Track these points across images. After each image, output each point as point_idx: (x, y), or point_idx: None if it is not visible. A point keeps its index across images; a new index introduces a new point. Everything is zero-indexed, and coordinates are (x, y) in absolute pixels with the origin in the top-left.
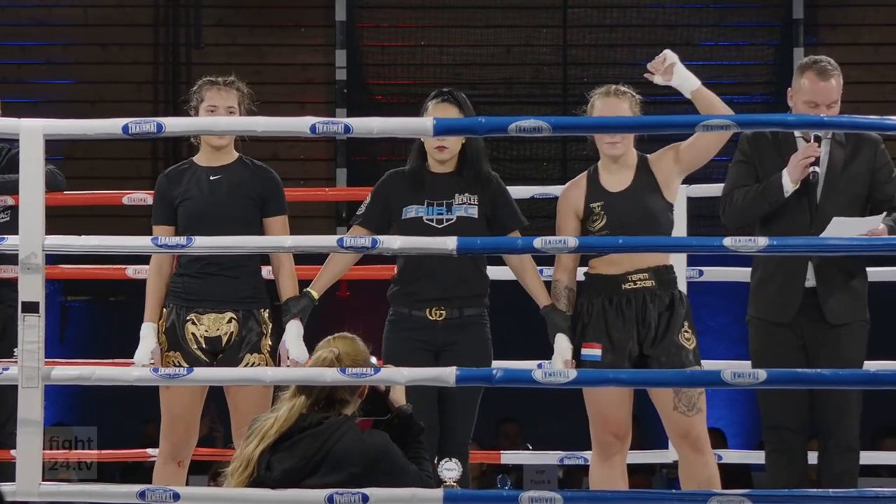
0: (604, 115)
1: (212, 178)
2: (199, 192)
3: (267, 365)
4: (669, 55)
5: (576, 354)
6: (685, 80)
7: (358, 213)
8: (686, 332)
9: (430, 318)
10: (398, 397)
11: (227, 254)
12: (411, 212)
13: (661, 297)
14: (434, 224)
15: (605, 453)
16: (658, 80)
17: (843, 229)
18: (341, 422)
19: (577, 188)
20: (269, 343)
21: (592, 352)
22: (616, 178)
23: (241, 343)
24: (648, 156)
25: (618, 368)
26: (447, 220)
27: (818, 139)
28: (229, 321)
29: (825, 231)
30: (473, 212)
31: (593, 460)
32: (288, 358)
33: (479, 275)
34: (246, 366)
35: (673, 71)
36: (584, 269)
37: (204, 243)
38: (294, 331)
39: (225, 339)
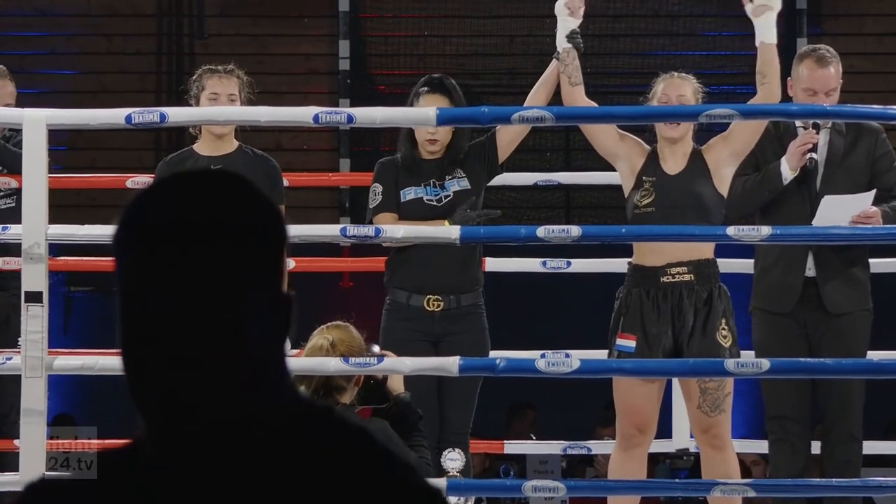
0: (665, 97)
1: (212, 167)
2: None
3: None
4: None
5: (609, 345)
6: (765, 30)
7: (373, 204)
8: (723, 329)
9: (428, 308)
10: (396, 385)
11: None
12: (410, 193)
13: (699, 293)
14: (435, 203)
15: (626, 444)
16: (748, 8)
17: (835, 208)
18: (341, 410)
19: (643, 150)
20: None
21: (626, 342)
22: (672, 161)
23: None
24: (704, 145)
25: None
26: (445, 197)
27: (816, 126)
28: None
29: (817, 213)
30: (465, 183)
31: (615, 450)
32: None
33: (474, 263)
34: None
35: (763, 13)
36: (629, 259)
37: None
38: None
39: None
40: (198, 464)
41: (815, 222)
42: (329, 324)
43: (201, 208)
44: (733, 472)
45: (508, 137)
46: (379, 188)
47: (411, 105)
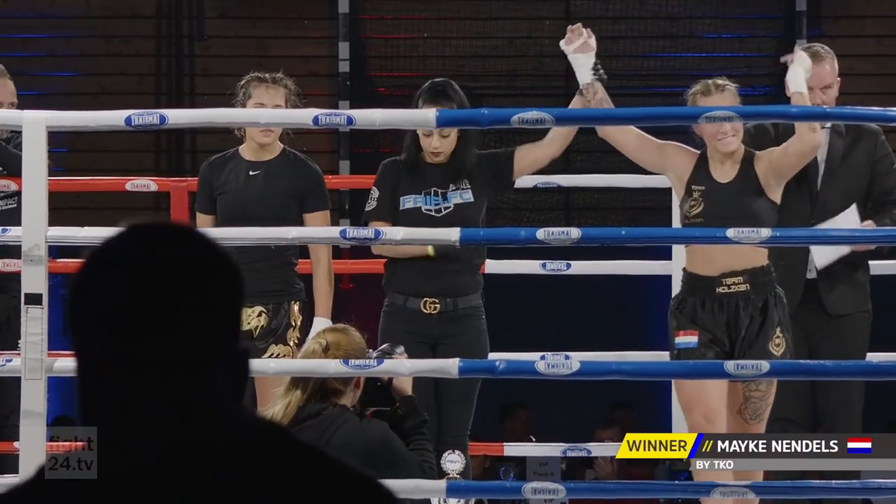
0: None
1: (251, 172)
2: (235, 186)
3: (292, 357)
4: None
5: (669, 347)
6: (795, 84)
7: (368, 209)
8: (777, 337)
9: (425, 310)
10: (403, 388)
11: (240, 246)
12: (409, 202)
13: (755, 302)
14: (433, 213)
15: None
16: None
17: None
18: (339, 412)
19: (691, 157)
20: (298, 335)
21: (688, 339)
22: (722, 169)
23: (267, 334)
24: (756, 152)
25: (707, 358)
26: (445, 208)
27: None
28: (259, 314)
29: (813, 251)
30: (468, 195)
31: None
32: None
33: (472, 266)
34: (270, 356)
35: (797, 72)
36: (683, 266)
37: (214, 235)
38: (321, 327)
39: (256, 333)
40: (147, 486)
41: (815, 257)
42: (327, 326)
43: (158, 279)
44: (757, 477)
45: (531, 159)
46: (376, 193)
47: (416, 106)
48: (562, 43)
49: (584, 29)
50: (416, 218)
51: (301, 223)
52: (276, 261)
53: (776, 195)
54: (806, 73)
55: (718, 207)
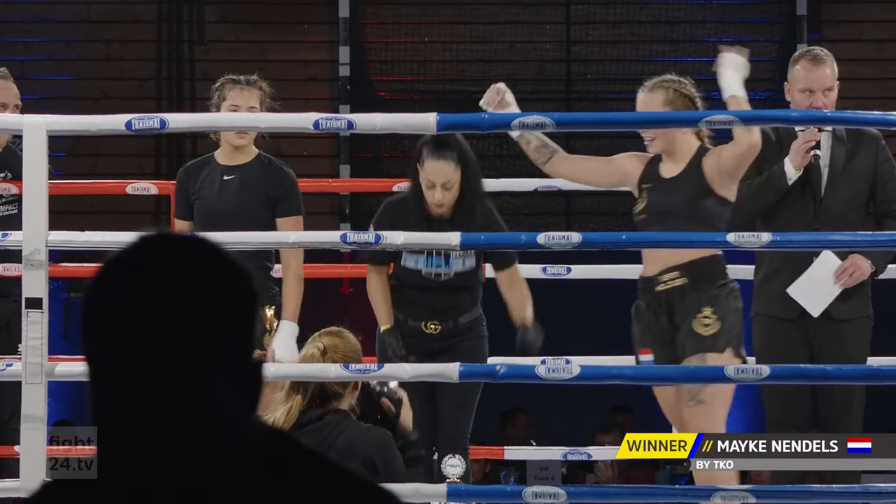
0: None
1: (225, 177)
2: (210, 192)
3: (267, 361)
4: (501, 88)
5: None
6: (730, 88)
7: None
8: (707, 318)
9: (426, 331)
10: (406, 425)
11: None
12: (410, 261)
13: (691, 293)
14: (432, 277)
15: None
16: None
17: (813, 285)
18: (341, 417)
19: (640, 160)
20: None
21: (645, 357)
22: (670, 164)
23: None
24: (711, 148)
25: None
26: (445, 274)
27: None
28: None
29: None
30: (471, 262)
31: None
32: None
33: (470, 288)
34: None
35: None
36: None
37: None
38: (287, 330)
39: None
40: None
41: (810, 308)
42: (322, 330)
43: (171, 287)
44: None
45: None
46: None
47: (416, 162)
48: (481, 103)
49: (498, 85)
50: (416, 280)
51: (274, 228)
52: (251, 264)
53: (727, 193)
54: (739, 70)
55: (660, 203)
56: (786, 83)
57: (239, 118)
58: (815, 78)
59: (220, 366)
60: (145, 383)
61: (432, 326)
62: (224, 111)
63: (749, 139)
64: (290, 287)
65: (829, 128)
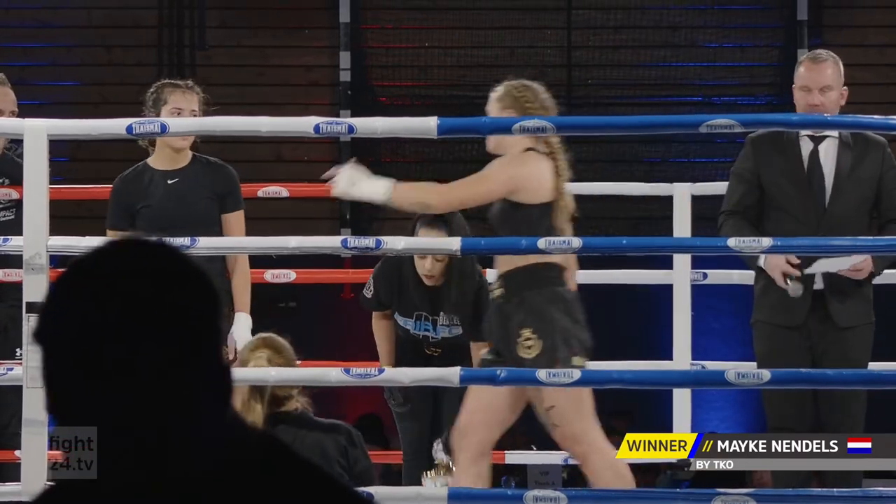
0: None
1: (169, 181)
2: (158, 199)
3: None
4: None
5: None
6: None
7: (367, 295)
8: (528, 340)
9: (427, 352)
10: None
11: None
12: (400, 321)
13: (506, 307)
14: (420, 338)
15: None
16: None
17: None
18: (303, 414)
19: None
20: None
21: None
22: None
23: None
24: (536, 150)
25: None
26: (433, 338)
27: (800, 279)
28: None
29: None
30: (458, 331)
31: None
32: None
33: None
34: None
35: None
36: None
37: (207, 244)
38: (243, 322)
39: None
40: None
41: (815, 265)
42: (258, 340)
43: (139, 297)
44: (613, 483)
45: None
46: (381, 284)
47: (412, 234)
48: (332, 192)
49: (332, 170)
50: (407, 338)
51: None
52: (212, 269)
53: (515, 197)
54: (358, 181)
55: (491, 210)
56: (793, 86)
57: (239, 122)
58: (812, 76)
59: (190, 367)
60: (112, 391)
61: (433, 350)
62: (165, 114)
63: (432, 200)
64: (240, 280)
65: (835, 133)
